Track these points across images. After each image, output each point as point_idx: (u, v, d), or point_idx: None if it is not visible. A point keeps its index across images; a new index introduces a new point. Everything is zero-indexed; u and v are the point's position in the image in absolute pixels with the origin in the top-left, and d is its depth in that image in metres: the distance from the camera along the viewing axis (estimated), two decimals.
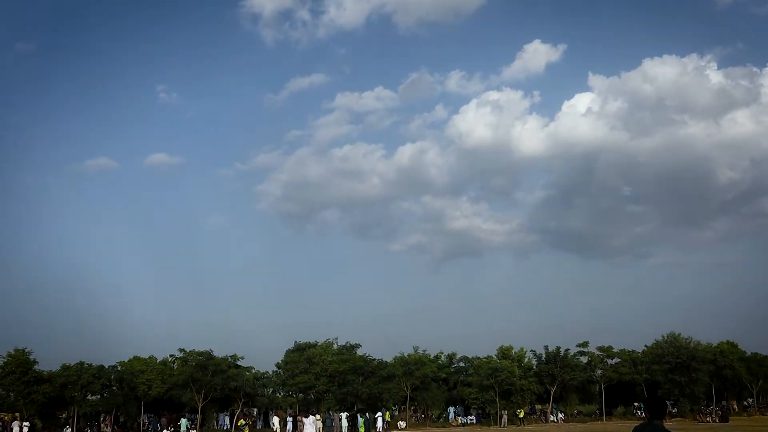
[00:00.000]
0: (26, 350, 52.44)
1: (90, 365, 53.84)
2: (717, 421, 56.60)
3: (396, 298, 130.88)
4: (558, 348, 62.68)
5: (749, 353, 68.99)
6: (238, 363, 56.80)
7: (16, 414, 51.44)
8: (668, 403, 64.18)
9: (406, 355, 61.93)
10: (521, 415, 59.25)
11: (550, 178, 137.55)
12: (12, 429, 48.40)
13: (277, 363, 60.40)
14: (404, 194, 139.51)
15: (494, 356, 63.52)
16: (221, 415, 57.21)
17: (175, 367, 56.27)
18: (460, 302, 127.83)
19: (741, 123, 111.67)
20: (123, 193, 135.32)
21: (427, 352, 63.65)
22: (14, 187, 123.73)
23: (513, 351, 64.35)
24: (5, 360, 52.11)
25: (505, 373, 58.88)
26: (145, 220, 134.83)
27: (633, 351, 65.96)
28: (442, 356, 65.85)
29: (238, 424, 28.37)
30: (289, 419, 52.26)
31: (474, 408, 62.95)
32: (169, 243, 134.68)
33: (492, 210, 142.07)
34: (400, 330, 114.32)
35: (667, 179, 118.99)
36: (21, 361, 51.40)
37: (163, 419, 51.55)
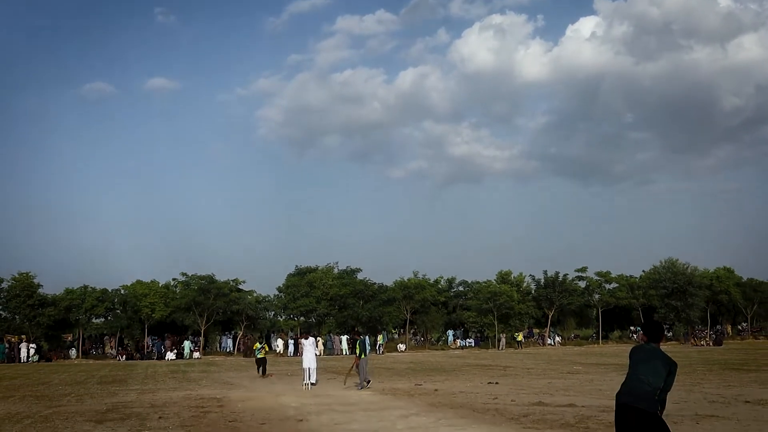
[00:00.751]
0: (30, 274, 52.95)
1: (93, 289, 54.37)
2: (711, 344, 57.58)
3: (396, 224, 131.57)
4: (556, 273, 63.28)
5: (745, 279, 69.73)
6: (240, 287, 57.38)
7: (23, 336, 52.31)
8: (664, 327, 65.39)
9: (406, 279, 62.52)
10: (519, 338, 60.21)
11: (553, 104, 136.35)
12: (20, 350, 49.32)
13: (278, 287, 60.94)
14: (405, 120, 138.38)
15: (493, 281, 64.16)
16: (224, 338, 58.11)
17: (178, 291, 56.88)
18: (460, 228, 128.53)
19: (748, 48, 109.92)
20: (122, 119, 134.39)
21: (426, 277, 64.24)
22: (13, 112, 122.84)
23: (512, 276, 64.96)
24: (10, 283, 52.69)
25: (503, 297, 59.60)
26: (144, 146, 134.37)
27: (631, 276, 66.68)
28: (442, 280, 66.49)
29: (255, 347, 28.70)
30: (291, 342, 53.21)
31: (473, 331, 63.93)
32: (168, 168, 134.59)
33: (493, 136, 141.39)
34: (400, 255, 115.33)
35: (670, 105, 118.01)
36: (25, 285, 51.91)
37: (167, 342, 52.36)
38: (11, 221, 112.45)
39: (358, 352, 20.97)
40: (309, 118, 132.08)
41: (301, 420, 13.92)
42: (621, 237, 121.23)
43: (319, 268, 61.40)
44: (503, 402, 16.30)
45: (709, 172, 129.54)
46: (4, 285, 52.85)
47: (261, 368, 28.97)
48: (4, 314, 53.88)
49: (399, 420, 13.66)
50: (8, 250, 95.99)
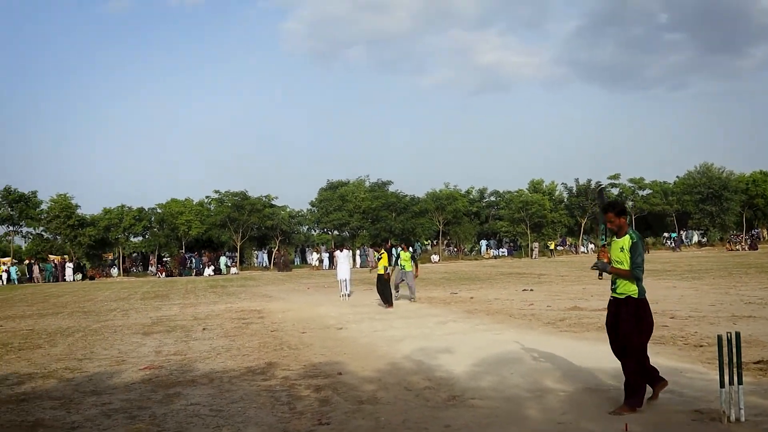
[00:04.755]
0: (68, 195, 53.89)
1: (130, 208, 55.33)
2: (746, 249, 57.27)
3: (426, 135, 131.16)
4: (589, 180, 62.96)
5: None
6: (273, 202, 58.00)
7: (65, 256, 53.67)
8: (698, 232, 65.06)
9: (437, 190, 62.64)
10: (552, 246, 60.40)
11: (583, 7, 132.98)
12: (65, 270, 50.67)
13: (311, 201, 61.51)
14: (431, 28, 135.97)
15: (525, 190, 64.07)
16: (259, 253, 59.06)
17: (212, 208, 57.62)
18: (489, 137, 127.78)
19: None
20: (146, 37, 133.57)
21: (458, 188, 64.37)
22: (39, 34, 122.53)
23: (544, 184, 64.82)
24: (49, 205, 53.75)
25: (535, 206, 59.59)
26: (167, 64, 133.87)
27: (665, 182, 66.14)
28: (473, 191, 66.57)
29: (375, 255, 26.92)
30: (325, 255, 53.95)
31: (506, 241, 64.24)
32: (194, 86, 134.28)
33: (521, 42, 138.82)
34: (431, 166, 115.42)
35: (705, 4, 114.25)
36: (64, 206, 52.91)
37: (204, 258, 53.40)
38: (51, 142, 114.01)
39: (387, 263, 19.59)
40: (333, 29, 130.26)
41: (341, 328, 14.24)
42: (654, 143, 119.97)
43: (351, 182, 61.60)
44: (539, 308, 16.50)
45: (745, 73, 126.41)
46: (44, 206, 53.98)
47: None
48: (46, 235, 55.22)
49: (437, 326, 13.92)
50: (46, 170, 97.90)
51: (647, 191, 65.02)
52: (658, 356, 8.86)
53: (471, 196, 65.73)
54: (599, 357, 6.31)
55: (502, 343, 11.09)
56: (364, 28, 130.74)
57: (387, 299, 18.42)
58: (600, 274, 6.99)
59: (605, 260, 6.79)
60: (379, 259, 19.39)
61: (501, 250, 62.87)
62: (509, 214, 61.22)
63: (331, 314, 17.20)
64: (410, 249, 20.73)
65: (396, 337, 12.50)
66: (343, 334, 13.31)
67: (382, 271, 18.86)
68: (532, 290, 22.17)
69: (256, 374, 9.32)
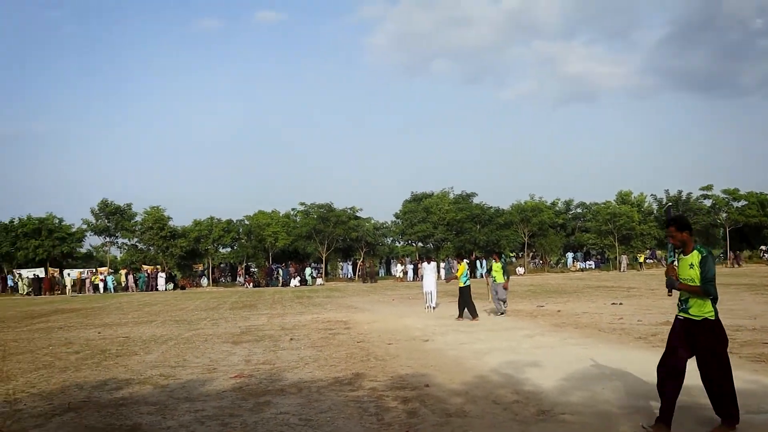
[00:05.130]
0: (160, 207, 55.77)
1: (219, 220, 56.78)
2: None
3: (509, 146, 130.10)
4: (679, 192, 61.21)
5: None
6: (358, 214, 58.48)
7: (158, 266, 55.46)
8: None
9: (522, 202, 62.00)
10: (641, 259, 58.87)
11: (672, 13, 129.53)
12: (157, 280, 52.35)
13: (395, 213, 61.74)
14: (514, 39, 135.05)
15: (613, 201, 62.74)
16: (344, 264, 59.60)
17: (298, 220, 58.52)
18: (575, 148, 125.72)
19: None
20: (230, 53, 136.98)
21: (543, 199, 63.53)
22: (118, 56, 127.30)
23: (632, 196, 63.30)
24: (143, 216, 55.79)
25: (623, 218, 58.27)
26: (252, 79, 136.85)
27: (761, 193, 63.49)
28: (559, 203, 65.57)
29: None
30: (410, 266, 54.01)
31: (593, 253, 63.00)
32: (277, 100, 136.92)
33: (608, 52, 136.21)
34: (516, 178, 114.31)
35: None
36: (157, 218, 54.75)
37: (291, 269, 54.21)
38: (145, 159, 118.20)
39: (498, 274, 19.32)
40: (416, 43, 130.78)
41: (427, 340, 14.21)
42: (749, 152, 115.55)
43: (435, 194, 61.56)
44: (629, 322, 16.08)
45: None
46: (138, 218, 56.06)
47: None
48: (140, 246, 57.30)
49: (524, 339, 13.74)
50: (140, 183, 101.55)
51: (742, 202, 62.61)
52: (757, 374, 8.53)
53: (557, 208, 64.77)
54: (694, 374, 6.10)
55: (592, 358, 10.85)
56: (448, 42, 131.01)
57: (471, 311, 18.32)
58: (669, 291, 6.78)
59: (674, 277, 6.59)
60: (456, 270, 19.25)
61: (588, 262, 61.65)
62: (596, 226, 60.05)
63: (417, 326, 17.19)
64: (502, 259, 20.30)
65: (482, 350, 12.40)
66: (430, 346, 13.28)
67: (462, 284, 18.76)
68: (621, 304, 21.63)
69: (343, 384, 9.39)
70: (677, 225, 6.52)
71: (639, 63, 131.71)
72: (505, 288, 19.57)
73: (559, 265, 62.97)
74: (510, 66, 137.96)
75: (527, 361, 10.77)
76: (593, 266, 60.71)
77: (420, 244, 61.09)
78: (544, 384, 8.86)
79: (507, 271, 19.79)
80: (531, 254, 63.38)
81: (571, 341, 13.23)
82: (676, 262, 6.64)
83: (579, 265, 60.86)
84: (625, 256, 58.55)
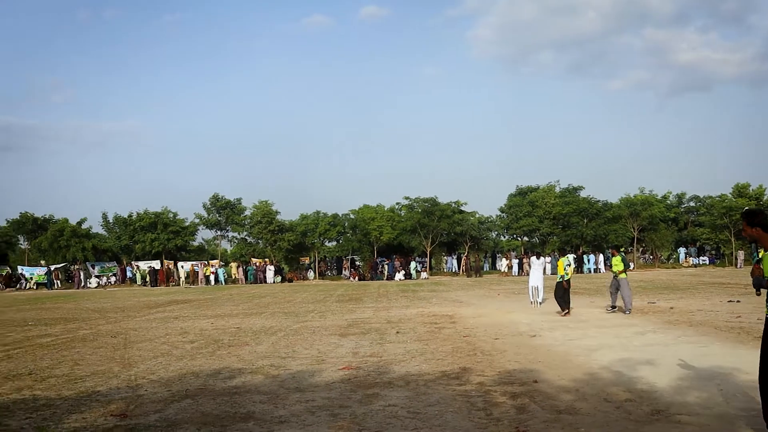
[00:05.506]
0: (269, 202, 57.23)
1: (325, 214, 57.73)
2: None
3: (618, 138, 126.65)
4: None
5: None
6: (462, 208, 58.21)
7: (266, 260, 56.95)
8: None
9: (631, 195, 60.23)
10: (761, 255, 56.09)
11: None
12: (266, 273, 53.75)
13: (500, 207, 61.14)
14: (623, 27, 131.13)
15: (729, 194, 60.09)
16: (449, 259, 59.50)
17: (403, 214, 58.79)
18: (688, 139, 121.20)
19: None
20: (337, 49, 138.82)
21: (654, 193, 61.49)
22: (220, 53, 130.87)
23: (750, 188, 60.43)
24: (252, 211, 57.45)
25: (741, 212, 55.74)
26: (359, 74, 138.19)
27: None
28: (671, 196, 63.37)
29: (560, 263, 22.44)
30: (515, 261, 53.43)
31: (707, 249, 60.63)
32: (383, 95, 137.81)
33: (722, 39, 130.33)
34: (624, 170, 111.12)
35: None
36: (265, 212, 56.20)
37: (396, 262, 54.54)
38: (254, 155, 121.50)
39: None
40: (521, 34, 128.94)
41: (534, 335, 14.04)
42: None
43: (540, 187, 60.59)
44: (748, 320, 15.39)
45: None
46: (248, 212, 57.78)
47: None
48: (249, 239, 59.09)
49: (634, 337, 13.37)
50: (250, 180, 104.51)
51: None
52: None
53: (668, 202, 62.58)
54: None
55: (709, 357, 10.46)
56: (553, 31, 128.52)
57: (564, 305, 18.14)
58: (758, 291, 6.45)
59: (760, 276, 6.27)
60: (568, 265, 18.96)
61: (701, 258, 59.31)
62: (711, 221, 57.68)
63: (523, 321, 17.01)
64: (621, 252, 19.59)
65: (592, 347, 12.15)
66: (537, 342, 13.11)
67: (559, 279, 18.51)
68: (738, 301, 20.72)
69: (450, 378, 9.40)
70: (747, 220, 6.28)
71: (756, 49, 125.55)
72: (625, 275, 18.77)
73: (671, 261, 60.83)
74: (619, 55, 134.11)
75: (639, 359, 10.49)
76: (707, 262, 58.39)
77: (525, 238, 60.31)
78: (657, 383, 8.61)
79: (627, 265, 19.14)
80: (641, 249, 61.52)
81: (685, 339, 12.79)
82: (762, 261, 6.35)
83: (692, 260, 58.65)
84: (742, 251, 55.99)
